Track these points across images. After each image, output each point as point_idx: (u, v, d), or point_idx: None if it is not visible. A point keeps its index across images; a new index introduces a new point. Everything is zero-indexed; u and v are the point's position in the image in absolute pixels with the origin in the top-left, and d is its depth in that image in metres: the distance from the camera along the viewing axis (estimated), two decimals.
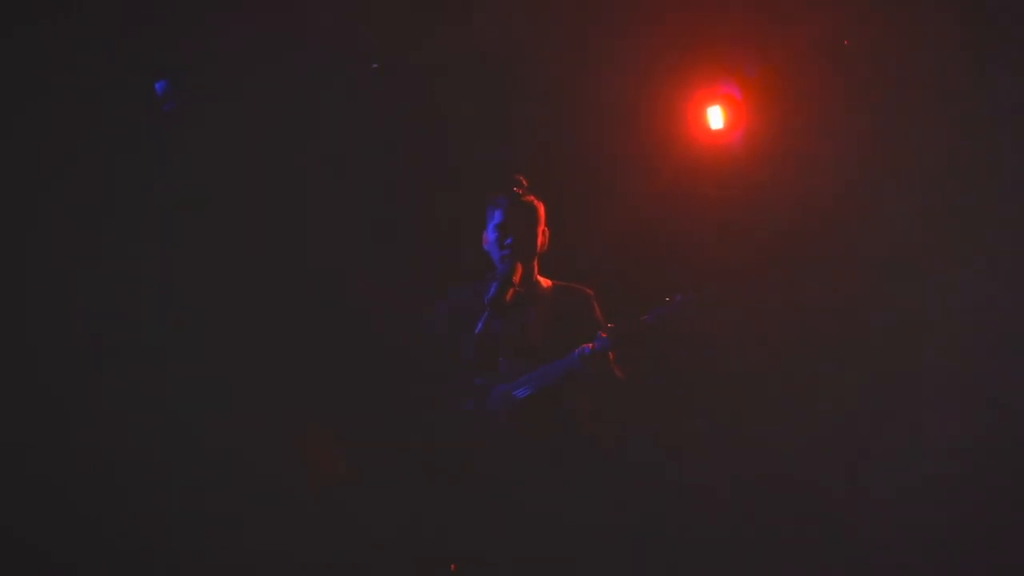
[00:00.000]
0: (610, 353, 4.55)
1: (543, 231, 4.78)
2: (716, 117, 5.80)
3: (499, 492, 4.58)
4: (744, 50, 5.73)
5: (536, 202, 4.77)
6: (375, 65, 5.33)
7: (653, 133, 5.88)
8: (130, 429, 5.31)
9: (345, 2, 5.40)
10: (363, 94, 5.67)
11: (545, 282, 4.83)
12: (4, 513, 5.10)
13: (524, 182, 4.78)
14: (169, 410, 5.39)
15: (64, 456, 5.22)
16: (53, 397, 5.27)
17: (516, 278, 4.62)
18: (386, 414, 5.29)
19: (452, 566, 4.69)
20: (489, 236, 4.77)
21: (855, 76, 5.65)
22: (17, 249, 5.30)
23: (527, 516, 4.55)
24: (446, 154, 5.79)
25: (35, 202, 5.31)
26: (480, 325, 4.56)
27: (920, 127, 5.60)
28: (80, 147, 5.35)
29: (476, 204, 4.92)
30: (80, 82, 5.29)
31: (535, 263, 4.80)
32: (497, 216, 4.74)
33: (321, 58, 5.56)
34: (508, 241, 4.68)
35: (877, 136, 5.64)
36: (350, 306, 5.64)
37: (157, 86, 5.37)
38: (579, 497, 4.60)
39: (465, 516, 4.64)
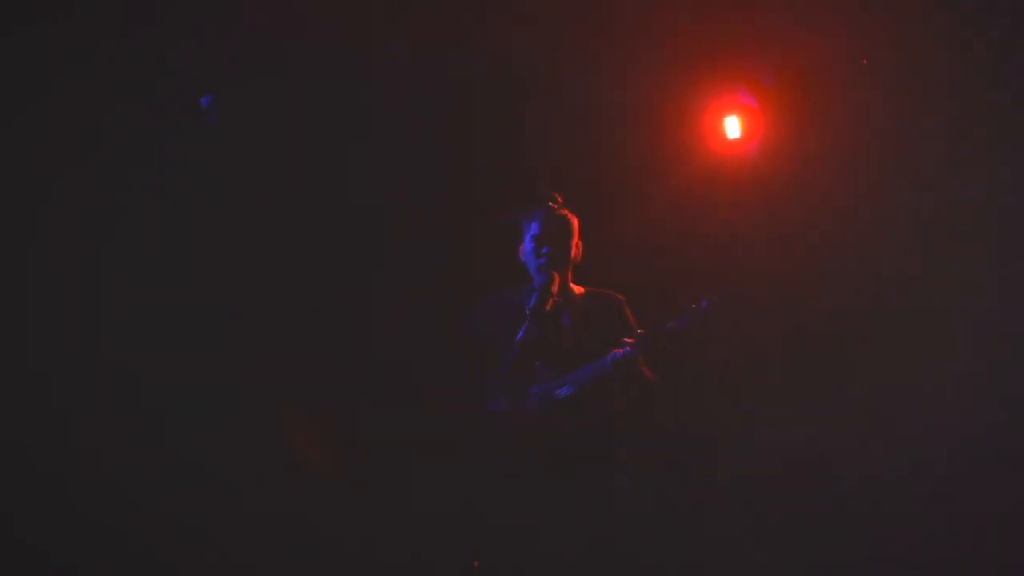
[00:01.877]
0: (640, 357, 4.70)
1: (576, 244, 4.94)
2: (733, 127, 5.82)
3: (529, 490, 4.68)
4: (761, 60, 5.72)
5: (570, 216, 4.95)
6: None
7: (670, 142, 5.91)
8: (130, 429, 5.32)
9: (367, 15, 5.47)
10: (389, 104, 5.77)
11: (578, 289, 4.98)
12: (4, 513, 5.13)
13: (559, 198, 4.94)
14: (170, 410, 5.41)
15: (64, 456, 5.24)
16: (53, 397, 5.28)
17: (554, 288, 4.78)
18: (420, 412, 5.43)
19: (475, 563, 4.76)
20: (526, 247, 4.93)
21: (872, 87, 5.62)
22: (17, 249, 5.30)
23: (555, 514, 4.66)
24: (474, 166, 5.93)
25: (35, 202, 5.30)
26: (521, 333, 4.70)
27: (938, 137, 5.58)
28: (81, 147, 5.34)
29: (502, 213, 5.08)
30: (80, 82, 5.28)
31: (569, 273, 4.94)
32: (534, 228, 4.91)
33: (346, 67, 5.64)
34: (544, 250, 4.86)
35: (893, 146, 5.63)
36: (379, 307, 5.76)
37: (202, 100, 5.44)
38: (608, 496, 4.73)
39: (494, 514, 4.74)
